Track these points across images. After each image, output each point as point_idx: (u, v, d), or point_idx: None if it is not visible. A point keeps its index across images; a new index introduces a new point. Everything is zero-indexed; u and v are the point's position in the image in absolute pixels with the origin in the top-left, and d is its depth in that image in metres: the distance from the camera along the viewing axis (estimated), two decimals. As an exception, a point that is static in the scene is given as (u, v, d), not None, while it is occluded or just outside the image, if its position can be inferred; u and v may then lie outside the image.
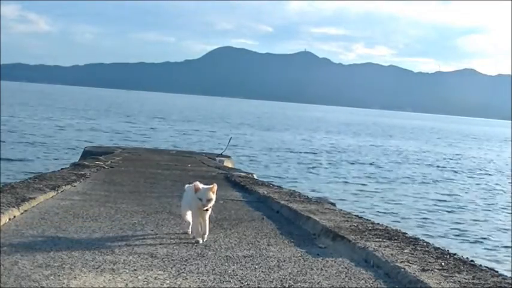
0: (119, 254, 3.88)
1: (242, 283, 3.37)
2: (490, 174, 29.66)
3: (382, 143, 48.51)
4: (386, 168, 28.32)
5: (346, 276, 3.65)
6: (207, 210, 4.34)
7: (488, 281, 3.46)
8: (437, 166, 31.80)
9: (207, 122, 61.65)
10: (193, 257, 3.93)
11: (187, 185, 4.72)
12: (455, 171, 29.60)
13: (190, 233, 4.58)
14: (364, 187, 20.77)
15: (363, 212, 14.33)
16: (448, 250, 4.40)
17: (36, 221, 4.84)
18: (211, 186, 4.37)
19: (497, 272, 3.74)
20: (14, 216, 4.91)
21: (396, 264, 3.73)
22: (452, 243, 12.35)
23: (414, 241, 4.62)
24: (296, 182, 20.26)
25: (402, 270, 3.59)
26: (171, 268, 3.61)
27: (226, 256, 4.02)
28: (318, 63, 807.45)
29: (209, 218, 4.52)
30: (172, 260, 3.82)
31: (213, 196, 4.34)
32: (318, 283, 3.46)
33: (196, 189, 4.31)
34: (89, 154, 13.78)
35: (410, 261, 3.82)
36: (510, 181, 26.49)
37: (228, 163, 14.46)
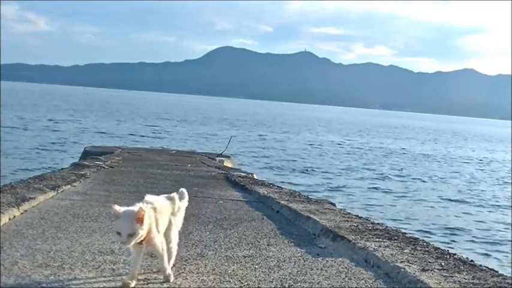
0: (119, 254, 3.88)
1: (242, 283, 3.37)
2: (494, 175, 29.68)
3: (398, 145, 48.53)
4: (389, 168, 28.32)
5: (346, 276, 3.65)
6: (141, 243, 3.05)
7: (488, 281, 3.46)
8: (439, 164, 31.83)
9: (213, 123, 61.64)
10: (193, 257, 3.93)
11: (182, 189, 3.57)
12: (458, 171, 29.62)
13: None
14: (364, 186, 20.76)
15: (363, 212, 14.32)
16: (448, 250, 4.40)
17: (36, 221, 4.84)
18: (136, 210, 2.95)
19: (497, 272, 3.74)
20: (14, 216, 4.91)
21: (396, 264, 3.73)
22: (452, 243, 12.35)
23: (414, 241, 4.62)
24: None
25: (402, 270, 3.59)
26: (171, 268, 3.61)
27: (226, 256, 4.02)
28: (318, 63, 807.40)
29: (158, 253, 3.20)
30: (172, 260, 3.82)
31: (140, 229, 2.92)
32: (318, 283, 3.46)
33: (116, 216, 2.96)
34: (89, 154, 13.77)
35: (410, 261, 3.82)
36: (511, 181, 26.48)
37: (228, 163, 14.45)
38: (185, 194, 3.51)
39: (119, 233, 2.93)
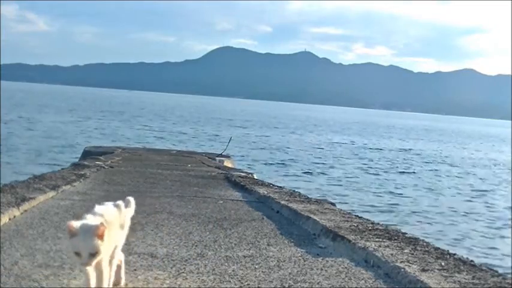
0: (119, 254, 3.87)
1: (242, 283, 3.37)
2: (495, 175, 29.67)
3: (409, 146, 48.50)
4: (392, 168, 28.32)
5: (346, 276, 3.65)
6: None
7: (488, 281, 3.46)
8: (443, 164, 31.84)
9: (214, 123, 61.65)
10: (193, 257, 3.93)
11: (128, 198, 3.13)
12: (459, 171, 29.61)
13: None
14: (365, 186, 20.76)
15: (363, 212, 14.32)
16: (448, 250, 4.39)
17: (36, 221, 4.84)
18: (95, 224, 2.57)
19: (497, 272, 3.74)
20: (14, 216, 4.91)
21: (396, 264, 3.73)
22: (452, 243, 12.35)
23: (414, 241, 4.61)
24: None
25: (402, 270, 3.59)
26: (171, 268, 3.61)
27: (226, 256, 4.02)
28: (318, 63, 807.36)
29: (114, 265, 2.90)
30: (172, 260, 3.82)
31: (102, 245, 2.57)
32: (318, 283, 3.46)
33: (71, 234, 2.55)
34: (89, 154, 13.77)
35: (410, 261, 3.82)
36: (511, 181, 26.48)
37: (228, 163, 14.45)
38: (131, 203, 3.12)
39: (77, 253, 2.53)
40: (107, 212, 2.79)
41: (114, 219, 2.83)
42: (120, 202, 3.01)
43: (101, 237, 2.55)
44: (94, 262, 2.58)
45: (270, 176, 19.20)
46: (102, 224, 2.56)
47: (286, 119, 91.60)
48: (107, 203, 2.95)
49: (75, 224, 2.55)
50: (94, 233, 2.53)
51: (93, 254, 2.54)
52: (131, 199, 3.14)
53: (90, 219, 2.62)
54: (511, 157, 41.50)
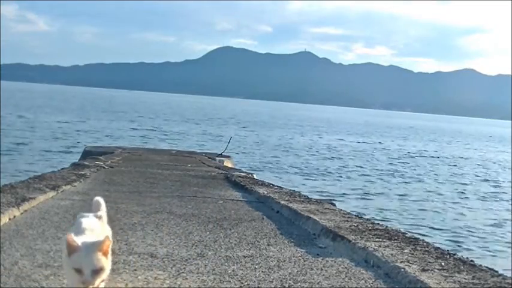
0: (119, 254, 3.88)
1: (242, 283, 3.37)
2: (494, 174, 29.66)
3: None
4: (392, 168, 28.31)
5: (346, 276, 3.65)
6: None
7: (488, 281, 3.46)
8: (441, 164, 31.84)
9: (214, 123, 61.64)
10: (193, 257, 3.93)
11: (80, 216, 2.68)
12: (459, 172, 29.61)
13: None
14: (365, 186, 20.76)
15: (363, 212, 14.32)
16: (448, 250, 4.39)
17: (36, 221, 4.84)
18: (100, 240, 2.37)
19: (497, 272, 3.74)
20: (14, 216, 4.91)
21: (396, 264, 3.73)
22: (452, 243, 12.35)
23: (414, 241, 4.61)
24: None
25: (402, 270, 3.59)
26: (171, 268, 3.61)
27: (226, 256, 4.02)
28: (318, 63, 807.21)
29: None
30: (172, 260, 3.82)
31: (106, 262, 2.37)
32: (318, 283, 3.46)
33: (72, 250, 2.33)
34: (89, 154, 13.77)
35: (410, 261, 3.82)
36: (511, 180, 26.47)
37: (228, 163, 14.46)
38: (101, 205, 2.84)
39: (78, 270, 2.28)
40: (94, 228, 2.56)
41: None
42: (100, 213, 2.76)
43: (106, 253, 2.36)
44: (98, 281, 2.34)
45: (270, 176, 19.20)
46: (107, 238, 2.38)
47: (287, 119, 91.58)
48: (86, 214, 2.71)
49: (77, 239, 2.34)
50: (98, 248, 2.33)
51: (97, 270, 2.31)
52: (101, 200, 2.86)
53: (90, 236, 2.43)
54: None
